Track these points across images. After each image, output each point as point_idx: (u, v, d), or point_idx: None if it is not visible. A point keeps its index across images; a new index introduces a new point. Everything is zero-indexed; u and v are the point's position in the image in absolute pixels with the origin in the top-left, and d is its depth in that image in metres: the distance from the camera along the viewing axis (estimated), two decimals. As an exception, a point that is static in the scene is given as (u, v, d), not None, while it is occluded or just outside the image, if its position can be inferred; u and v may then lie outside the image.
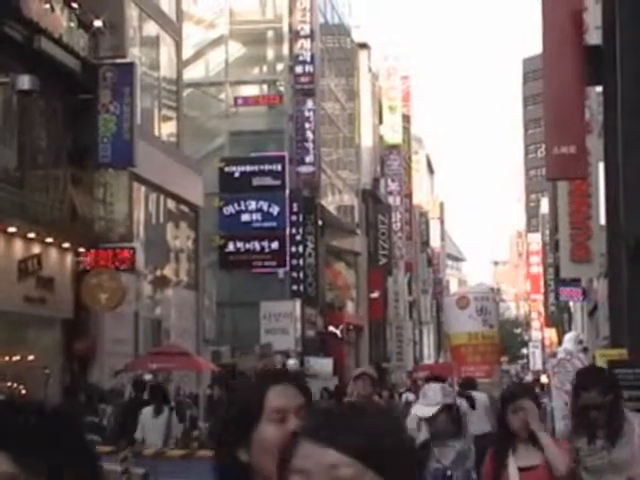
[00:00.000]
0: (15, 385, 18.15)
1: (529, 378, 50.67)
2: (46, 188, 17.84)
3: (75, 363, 20.04)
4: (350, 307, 45.32)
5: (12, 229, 17.61)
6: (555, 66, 13.46)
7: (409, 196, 62.44)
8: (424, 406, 5.62)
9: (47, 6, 18.14)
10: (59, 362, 19.85)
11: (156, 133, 26.01)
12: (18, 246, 18.19)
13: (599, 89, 16.36)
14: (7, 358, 18.24)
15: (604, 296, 26.27)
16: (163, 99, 27.22)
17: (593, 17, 15.79)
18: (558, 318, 51.94)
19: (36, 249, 18.66)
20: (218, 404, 18.42)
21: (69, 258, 20.09)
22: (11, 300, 17.69)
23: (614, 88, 11.09)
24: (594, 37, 14.64)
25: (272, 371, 3.67)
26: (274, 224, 33.23)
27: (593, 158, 19.99)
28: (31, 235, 18.25)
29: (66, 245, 19.68)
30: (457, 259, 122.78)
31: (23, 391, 18.02)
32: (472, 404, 11.54)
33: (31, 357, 18.87)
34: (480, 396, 15.43)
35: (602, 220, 22.60)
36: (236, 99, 36.71)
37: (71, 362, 20.00)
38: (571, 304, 42.09)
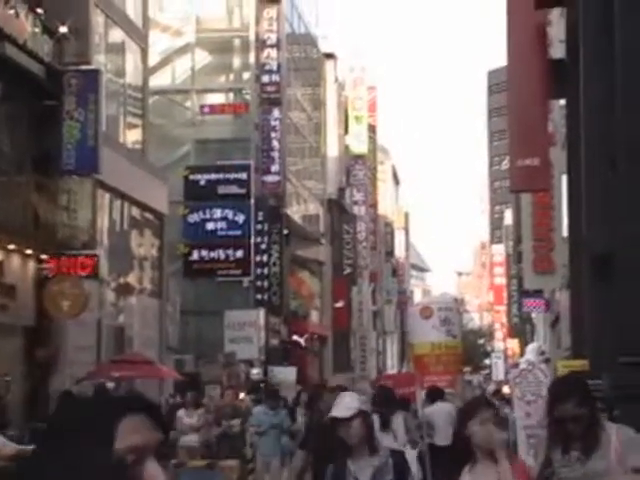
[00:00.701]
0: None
1: (491, 388, 50.85)
2: (9, 194, 17.71)
3: (37, 370, 19.87)
4: (314, 316, 45.33)
5: (-26, 235, 17.47)
6: (519, 79, 13.58)
7: (374, 206, 62.62)
8: (342, 411, 5.43)
9: (12, 11, 18.02)
10: (20, 369, 19.68)
11: (121, 140, 25.90)
12: (-20, 252, 18.04)
13: (562, 102, 16.53)
14: (-33, 365, 18.06)
15: (566, 307, 26.47)
16: (128, 106, 27.12)
17: (557, 31, 15.97)
18: (521, 329, 52.26)
19: (-2, 255, 18.51)
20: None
21: (31, 265, 19.93)
22: (-28, 307, 17.53)
23: (577, 101, 11.20)
24: (558, 51, 14.80)
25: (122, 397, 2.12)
26: (239, 233, 33.15)
27: (556, 170, 20.17)
28: (-7, 241, 18.11)
29: (28, 252, 19.53)
30: (421, 269, 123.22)
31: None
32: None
33: (-8, 364, 18.69)
34: (446, 406, 15.48)
35: (565, 232, 22.82)
36: (202, 107, 36.65)
37: (33, 369, 19.84)
38: (534, 315, 42.38)
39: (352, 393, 5.71)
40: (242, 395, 22.60)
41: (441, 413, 14.86)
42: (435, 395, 16.02)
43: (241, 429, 15.89)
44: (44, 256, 19.90)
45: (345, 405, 5.38)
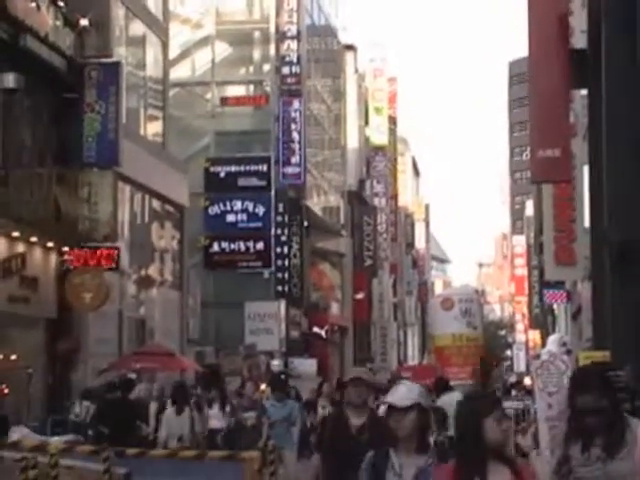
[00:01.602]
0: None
1: (512, 380, 50.81)
2: (30, 187, 17.78)
3: (58, 363, 19.97)
4: (335, 308, 45.33)
5: (-4, 228, 17.55)
6: (541, 69, 13.50)
7: (394, 198, 62.50)
8: (397, 399, 4.99)
9: (33, 4, 18.08)
10: (42, 362, 19.79)
11: (142, 133, 25.96)
12: (2, 245, 18.11)
13: (584, 92, 16.43)
14: (-10, 357, 18.16)
15: (588, 298, 26.35)
16: (149, 99, 27.17)
17: (579, 21, 15.86)
18: (542, 320, 52.10)
19: (20, 248, 18.59)
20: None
21: (53, 257, 20.02)
22: (-6, 299, 17.63)
23: (598, 91, 11.14)
24: (580, 41, 14.71)
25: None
26: (259, 225, 33.18)
27: (578, 161, 20.08)
28: (15, 234, 18.18)
29: (50, 244, 19.62)
30: (442, 261, 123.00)
31: (6, 390, 17.94)
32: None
33: (14, 357, 18.79)
34: (455, 396, 15.43)
35: (586, 223, 22.70)
36: (223, 99, 36.68)
37: (54, 362, 19.94)
38: (555, 306, 42.24)
39: (411, 384, 5.27)
40: (263, 386, 22.63)
41: (452, 403, 14.82)
42: (443, 386, 16.00)
43: (258, 421, 15.90)
44: (65, 249, 19.98)
45: (403, 395, 5.00)
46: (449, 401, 15.15)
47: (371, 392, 7.49)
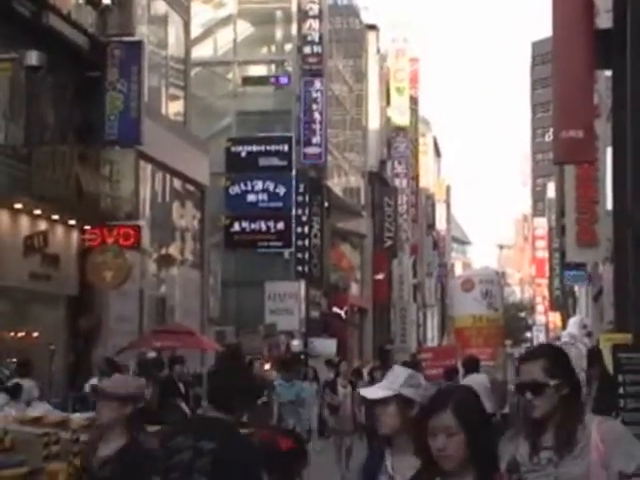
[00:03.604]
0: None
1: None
2: (53, 165, 17.81)
3: (80, 340, 20.09)
4: (354, 289, 45.36)
5: (18, 205, 17.62)
6: (565, 49, 13.39)
7: (415, 179, 62.36)
8: (372, 390, 4.31)
9: (56, -18, 18.08)
10: (63, 339, 19.92)
11: (163, 112, 25.98)
12: (24, 222, 18.20)
13: (608, 73, 16.31)
14: (12, 334, 18.30)
15: (609, 280, 26.26)
16: (171, 78, 27.17)
17: (604, 0, 15.73)
18: (563, 302, 51.97)
19: (42, 226, 18.68)
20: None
21: (75, 235, 20.10)
22: (17, 276, 17.73)
23: (623, 72, 11.05)
24: (604, 21, 14.59)
25: None
26: (280, 204, 33.21)
27: (601, 142, 19.96)
28: (37, 212, 18.26)
29: (72, 222, 19.69)
30: (462, 242, 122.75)
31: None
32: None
33: (36, 333, 18.93)
34: (480, 377, 15.39)
35: (609, 205, 22.58)
36: (244, 79, 36.64)
37: (76, 339, 20.05)
38: (576, 288, 42.11)
39: (400, 369, 4.39)
40: (267, 366, 22.65)
41: (475, 385, 14.77)
42: (470, 366, 15.91)
43: (268, 400, 15.91)
44: (87, 227, 20.06)
45: (382, 384, 4.27)
46: (472, 383, 15.12)
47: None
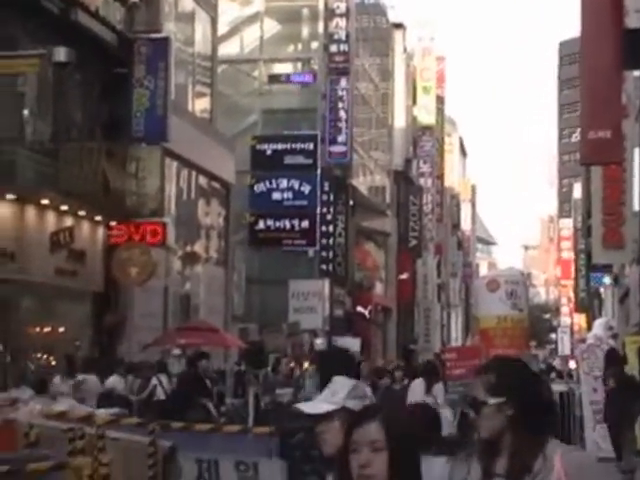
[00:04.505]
0: (45, 356, 18.31)
1: (557, 363, 50.50)
2: (80, 161, 17.90)
3: (104, 336, 20.17)
4: (379, 288, 45.30)
5: (45, 201, 17.71)
6: (593, 49, 13.32)
7: (441, 178, 62.19)
8: (311, 404, 3.79)
9: (84, -21, 18.16)
10: (88, 335, 20.00)
11: (190, 109, 26.03)
12: (51, 218, 18.29)
13: (637, 73, 16.21)
14: (38, 329, 18.40)
15: (636, 282, 26.09)
16: (197, 75, 27.22)
17: (633, 0, 15.62)
18: (588, 304, 51.67)
19: (68, 222, 18.77)
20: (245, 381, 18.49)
21: (100, 231, 20.18)
22: (43, 272, 17.82)
23: (653, 72, 10.97)
24: (634, 20, 14.49)
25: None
26: (305, 203, 33.19)
27: (628, 143, 19.82)
28: (64, 207, 18.34)
29: (98, 218, 19.78)
30: (487, 242, 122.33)
31: (53, 362, 18.17)
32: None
33: (61, 329, 19.02)
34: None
35: (636, 206, 22.43)
36: (270, 77, 36.66)
37: (100, 335, 20.13)
38: (602, 290, 41.87)
39: (344, 380, 3.79)
40: (306, 364, 22.67)
41: None
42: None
43: (294, 399, 15.93)
44: (113, 223, 20.13)
45: (323, 397, 3.72)
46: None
47: None
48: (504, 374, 3.37)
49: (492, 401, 3.30)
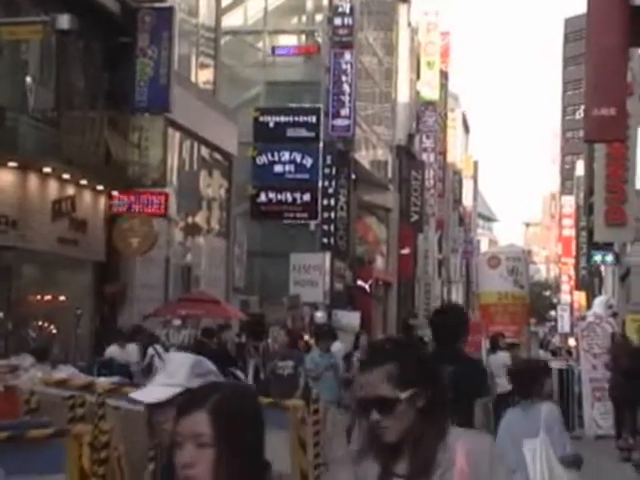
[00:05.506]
0: (46, 324, 18.36)
1: (556, 340, 50.64)
2: (82, 130, 17.86)
3: (105, 306, 20.20)
4: (380, 262, 45.33)
5: (47, 169, 17.67)
6: (599, 26, 13.26)
7: (443, 153, 62.11)
8: (146, 392, 3.14)
9: (88, -53, 18.04)
10: (89, 304, 20.04)
11: (193, 80, 25.95)
12: (52, 187, 18.27)
13: (643, 51, 16.13)
14: (39, 297, 18.43)
15: (637, 261, 26.11)
16: (201, 46, 27.12)
17: (641, -23, 15.51)
18: (588, 282, 51.73)
19: (70, 190, 18.74)
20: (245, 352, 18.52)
21: (102, 201, 20.17)
22: (45, 240, 17.82)
23: (659, 49, 10.92)
24: (641, -3, 14.39)
25: None
26: (307, 176, 33.13)
27: (632, 121, 19.77)
28: (66, 176, 18.31)
29: (100, 188, 19.75)
30: (489, 219, 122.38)
31: (54, 331, 18.22)
32: None
33: (62, 298, 19.05)
34: (502, 355, 15.38)
35: (639, 184, 22.41)
36: (274, 49, 36.51)
37: (101, 304, 20.17)
38: (602, 268, 41.90)
39: (185, 356, 3.25)
40: (306, 337, 22.70)
41: (495, 363, 14.77)
42: (497, 344, 15.88)
43: (294, 371, 15.94)
44: (115, 193, 20.12)
45: (159, 380, 3.11)
46: (493, 361, 15.10)
47: None
48: (406, 360, 2.89)
49: (403, 395, 2.84)
